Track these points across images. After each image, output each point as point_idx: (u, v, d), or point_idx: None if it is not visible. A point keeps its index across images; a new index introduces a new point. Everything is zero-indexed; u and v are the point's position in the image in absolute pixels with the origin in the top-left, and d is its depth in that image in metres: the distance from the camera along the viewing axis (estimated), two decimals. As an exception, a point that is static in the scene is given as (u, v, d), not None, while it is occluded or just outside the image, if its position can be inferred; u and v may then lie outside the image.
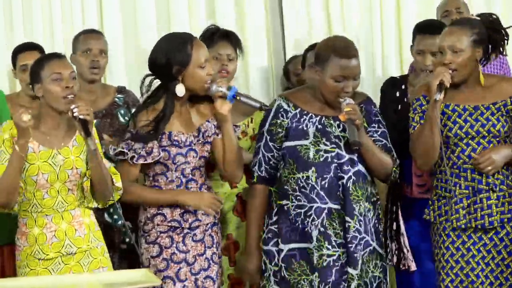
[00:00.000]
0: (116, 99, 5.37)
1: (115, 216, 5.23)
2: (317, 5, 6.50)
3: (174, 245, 4.69)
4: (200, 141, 4.69)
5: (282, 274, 4.69)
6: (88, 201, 4.52)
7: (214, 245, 4.76)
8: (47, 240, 4.44)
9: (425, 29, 5.32)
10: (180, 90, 4.56)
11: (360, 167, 4.63)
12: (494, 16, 4.82)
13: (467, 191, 4.61)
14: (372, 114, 4.67)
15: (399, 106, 5.18)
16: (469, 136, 4.60)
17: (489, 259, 4.61)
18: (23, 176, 4.41)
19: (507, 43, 4.82)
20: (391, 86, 5.45)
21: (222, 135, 4.68)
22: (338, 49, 4.61)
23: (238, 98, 4.55)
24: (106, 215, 5.19)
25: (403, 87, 5.34)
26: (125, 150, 4.63)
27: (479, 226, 4.59)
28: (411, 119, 4.74)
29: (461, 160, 4.61)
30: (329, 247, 4.58)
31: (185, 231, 4.70)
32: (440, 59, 4.61)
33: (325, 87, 4.54)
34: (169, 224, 4.67)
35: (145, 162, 4.60)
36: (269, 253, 4.72)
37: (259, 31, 6.47)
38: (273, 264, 4.72)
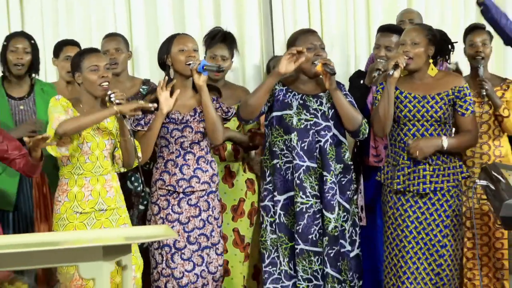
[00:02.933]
0: (141, 89, 5.64)
1: (136, 184, 5.53)
2: (302, 17, 6.65)
3: (170, 207, 4.94)
4: (196, 119, 4.95)
5: (281, 220, 5.01)
6: (119, 166, 4.84)
7: (210, 209, 4.99)
8: (84, 197, 4.68)
9: (383, 29, 5.72)
10: (171, 73, 4.97)
11: (335, 132, 4.99)
12: (443, 32, 5.22)
13: (408, 162, 4.91)
14: (342, 90, 5.01)
15: (363, 91, 5.58)
16: (415, 119, 4.91)
17: (422, 219, 4.94)
18: (72, 144, 4.71)
19: (453, 53, 5.18)
20: (357, 76, 5.83)
21: (202, 103, 4.93)
22: (302, 31, 5.20)
23: (205, 68, 4.82)
24: (128, 183, 5.47)
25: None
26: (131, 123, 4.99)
27: (415, 191, 4.91)
28: (374, 98, 5.11)
29: (406, 137, 4.93)
30: (303, 196, 4.92)
31: (181, 196, 4.93)
32: (402, 49, 4.96)
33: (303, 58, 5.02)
34: (167, 188, 4.92)
35: (143, 129, 4.96)
36: (266, 208, 5.06)
37: (254, 38, 6.68)
38: (269, 216, 5.04)
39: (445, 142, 4.85)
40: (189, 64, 4.83)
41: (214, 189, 5.00)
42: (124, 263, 3.80)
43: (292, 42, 5.05)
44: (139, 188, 5.55)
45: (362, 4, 6.79)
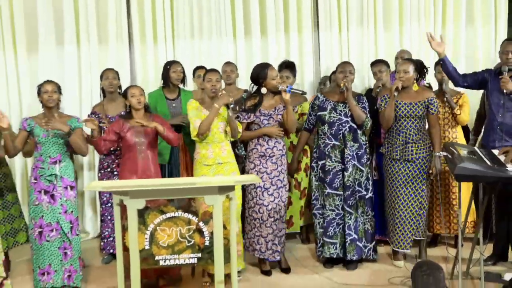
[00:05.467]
0: (243, 95, 6.07)
1: (240, 150, 5.82)
2: (337, 56, 7.16)
3: (261, 164, 5.48)
4: (276, 113, 5.44)
5: (320, 175, 5.57)
6: (229, 137, 5.30)
7: (282, 165, 5.51)
8: (208, 156, 5.26)
9: (375, 62, 6.22)
10: (263, 90, 5.40)
11: (352, 124, 5.48)
12: (421, 62, 5.60)
13: (402, 142, 5.44)
14: (360, 101, 5.50)
15: (374, 101, 5.82)
16: (406, 116, 5.40)
17: (410, 175, 5.48)
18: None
19: (427, 74, 5.66)
20: (369, 92, 6.27)
21: (286, 110, 5.39)
22: (342, 62, 5.72)
23: (292, 90, 5.28)
24: (236, 149, 5.75)
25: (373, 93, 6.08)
26: (239, 115, 5.41)
27: (407, 158, 5.42)
28: (379, 106, 5.54)
29: (401, 128, 5.43)
30: (330, 162, 5.50)
31: (268, 158, 5.45)
32: (398, 76, 5.36)
33: (337, 78, 5.48)
34: (259, 153, 5.47)
35: (246, 121, 5.44)
36: (312, 167, 5.70)
37: (309, 66, 7.24)
38: (314, 172, 5.64)
39: (438, 151, 5.40)
40: (279, 85, 5.32)
41: (284, 153, 5.52)
42: (230, 196, 4.20)
43: (337, 67, 5.58)
44: (243, 153, 5.87)
45: (372, 48, 7.17)
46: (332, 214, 5.53)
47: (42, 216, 5.14)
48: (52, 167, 5.15)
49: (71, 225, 5.23)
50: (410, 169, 5.45)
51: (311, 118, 5.63)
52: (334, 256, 5.59)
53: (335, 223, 5.54)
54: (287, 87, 5.30)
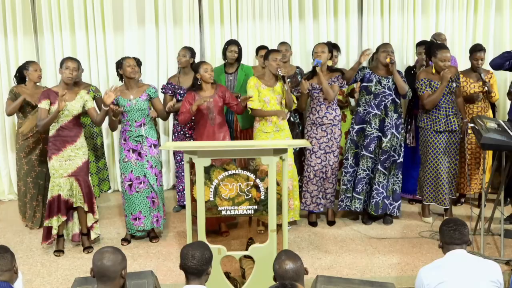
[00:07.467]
0: (297, 71, 6.10)
1: (294, 118, 5.93)
2: (379, 38, 6.90)
3: (313, 130, 5.48)
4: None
5: (354, 138, 5.50)
6: (287, 108, 5.28)
7: (332, 133, 5.48)
8: (267, 124, 5.26)
9: (419, 43, 6.10)
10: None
11: (394, 96, 5.42)
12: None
13: (444, 115, 5.36)
14: (400, 74, 5.40)
15: (413, 76, 5.70)
16: (444, 94, 5.32)
17: (450, 145, 5.44)
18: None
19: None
20: (409, 69, 6.20)
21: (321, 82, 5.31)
22: (383, 44, 5.59)
23: (316, 64, 5.35)
24: (291, 117, 5.79)
25: (414, 69, 6.06)
26: (293, 89, 5.47)
27: (450, 128, 5.34)
28: (419, 88, 5.39)
29: (441, 103, 5.36)
30: (369, 128, 5.43)
31: (318, 125, 5.45)
32: (445, 64, 5.26)
33: (380, 57, 5.42)
34: (311, 121, 5.48)
35: (298, 94, 5.43)
36: (349, 131, 5.59)
37: (354, 46, 6.99)
38: (350, 135, 5.55)
39: (465, 118, 5.45)
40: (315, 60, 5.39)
41: (336, 123, 5.47)
42: (283, 158, 4.14)
43: (378, 48, 5.56)
44: (296, 121, 6.02)
45: (411, 32, 6.92)
46: (363, 173, 5.49)
47: (131, 171, 5.23)
48: (139, 129, 5.19)
49: (155, 177, 5.29)
50: (450, 137, 5.41)
51: (358, 74, 5.52)
52: (358, 210, 5.56)
53: (364, 182, 5.50)
54: (316, 62, 5.36)
